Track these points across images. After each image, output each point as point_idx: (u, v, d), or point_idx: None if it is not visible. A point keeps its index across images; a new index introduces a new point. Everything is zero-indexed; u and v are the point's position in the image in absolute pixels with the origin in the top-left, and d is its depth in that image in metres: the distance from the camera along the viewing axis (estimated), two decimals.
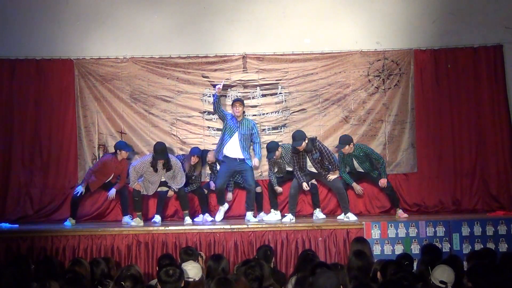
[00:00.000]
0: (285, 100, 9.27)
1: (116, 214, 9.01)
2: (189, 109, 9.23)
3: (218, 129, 9.14)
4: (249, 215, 8.31)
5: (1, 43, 9.14)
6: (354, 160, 8.39)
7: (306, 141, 8.04)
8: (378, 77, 9.25)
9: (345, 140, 8.32)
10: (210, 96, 9.21)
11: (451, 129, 9.22)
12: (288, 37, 9.28)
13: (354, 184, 8.46)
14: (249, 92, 9.27)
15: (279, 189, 8.56)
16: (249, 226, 7.71)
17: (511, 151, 9.15)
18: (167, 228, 7.74)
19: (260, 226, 7.76)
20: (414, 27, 9.27)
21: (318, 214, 8.58)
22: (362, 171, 8.47)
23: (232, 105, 8.48)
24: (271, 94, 9.29)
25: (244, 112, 8.57)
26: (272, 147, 8.43)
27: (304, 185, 8.20)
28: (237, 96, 9.18)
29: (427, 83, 9.26)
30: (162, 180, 8.43)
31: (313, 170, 8.26)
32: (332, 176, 8.21)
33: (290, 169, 8.52)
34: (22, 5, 9.20)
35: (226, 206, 8.60)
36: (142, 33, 9.24)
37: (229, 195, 8.84)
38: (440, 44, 9.25)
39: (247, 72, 9.26)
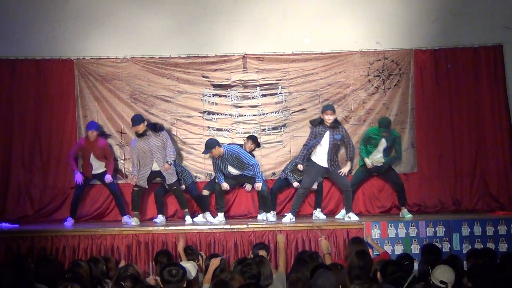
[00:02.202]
0: (285, 100, 9.27)
1: (116, 214, 9.00)
2: (189, 109, 9.23)
3: (218, 129, 9.16)
4: (270, 216, 8.25)
5: (1, 43, 9.13)
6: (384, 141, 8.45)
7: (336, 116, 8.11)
8: (378, 77, 9.25)
9: (385, 123, 8.44)
10: (210, 96, 9.23)
11: (451, 129, 9.21)
12: (288, 37, 9.28)
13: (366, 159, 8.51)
14: (249, 92, 9.27)
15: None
16: (249, 226, 7.71)
17: (511, 151, 9.15)
18: (167, 228, 7.75)
19: (260, 226, 7.76)
20: (414, 27, 9.27)
21: (318, 214, 8.58)
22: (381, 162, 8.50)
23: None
24: (271, 94, 9.29)
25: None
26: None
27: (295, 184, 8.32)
28: (237, 96, 9.20)
29: (427, 83, 9.25)
30: (155, 168, 8.29)
31: (324, 163, 8.15)
32: (345, 169, 8.15)
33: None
34: (22, 5, 9.19)
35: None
36: (142, 33, 9.24)
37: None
38: (440, 44, 9.25)
39: (247, 72, 9.26)
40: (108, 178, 8.60)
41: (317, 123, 8.20)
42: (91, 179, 8.78)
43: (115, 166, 9.02)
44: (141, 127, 8.16)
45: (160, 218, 8.46)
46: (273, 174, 9.10)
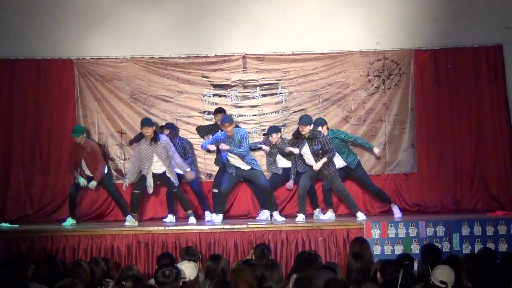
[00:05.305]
0: (285, 100, 9.27)
1: (116, 214, 9.02)
2: (189, 109, 9.24)
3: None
4: (276, 214, 8.22)
5: (1, 43, 9.14)
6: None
7: (311, 127, 7.89)
8: (378, 77, 9.25)
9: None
10: (210, 96, 9.24)
11: (451, 129, 9.22)
12: (288, 37, 9.29)
13: (375, 148, 8.51)
14: (249, 92, 9.28)
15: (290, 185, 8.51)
16: (249, 226, 7.70)
17: (511, 151, 9.15)
18: (167, 228, 7.74)
19: (260, 226, 7.75)
20: (414, 27, 9.28)
21: (318, 214, 8.58)
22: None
23: (223, 125, 8.06)
24: (271, 94, 9.29)
25: (236, 126, 8.35)
26: (272, 128, 8.50)
27: (290, 183, 8.32)
28: (237, 96, 9.21)
29: (427, 83, 9.26)
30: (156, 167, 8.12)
31: (311, 162, 8.02)
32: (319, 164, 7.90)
33: (285, 165, 8.50)
34: (22, 5, 9.20)
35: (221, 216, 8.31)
36: (142, 33, 9.25)
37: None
38: (440, 44, 9.25)
39: (247, 72, 9.27)
40: (92, 184, 8.38)
41: (296, 135, 8.06)
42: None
43: (115, 166, 9.06)
44: (150, 131, 7.98)
45: (170, 218, 8.48)
46: None
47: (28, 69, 9.15)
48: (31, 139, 9.14)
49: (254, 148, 8.70)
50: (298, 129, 8.02)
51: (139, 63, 9.24)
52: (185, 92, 9.25)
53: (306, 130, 7.85)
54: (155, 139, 8.00)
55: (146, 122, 8.08)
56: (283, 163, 8.54)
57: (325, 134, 8.17)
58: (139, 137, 8.37)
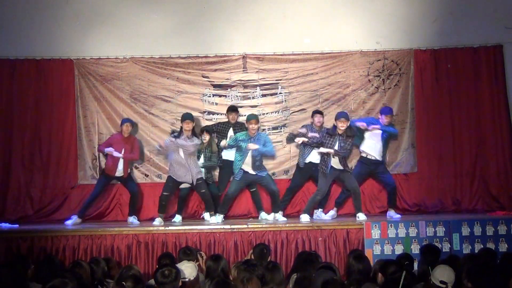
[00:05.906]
0: (285, 100, 9.27)
1: (116, 214, 9.03)
2: (189, 109, 9.22)
3: None
4: (278, 215, 8.30)
5: (1, 43, 9.14)
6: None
7: (349, 124, 8.08)
8: (378, 77, 9.26)
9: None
10: (210, 96, 9.24)
11: (451, 129, 9.22)
12: (288, 37, 9.29)
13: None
14: (249, 92, 9.28)
15: None
16: (249, 226, 7.71)
17: (511, 151, 9.15)
18: (167, 228, 7.74)
19: (260, 226, 7.76)
20: (414, 27, 9.28)
21: (320, 214, 8.58)
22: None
23: (248, 122, 8.22)
24: (271, 94, 9.30)
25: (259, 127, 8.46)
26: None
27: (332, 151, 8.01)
28: (237, 96, 9.21)
29: (427, 83, 9.26)
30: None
31: (338, 166, 8.09)
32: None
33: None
34: (22, 5, 9.20)
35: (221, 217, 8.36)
36: (142, 33, 9.24)
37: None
38: (440, 44, 9.26)
39: (247, 72, 9.28)
40: (115, 152, 8.46)
41: (330, 132, 8.13)
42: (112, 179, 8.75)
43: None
44: (191, 126, 8.25)
45: (178, 218, 8.50)
46: (273, 174, 9.10)
47: (28, 69, 9.15)
48: (31, 139, 9.14)
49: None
50: (334, 126, 8.12)
51: (139, 63, 9.24)
52: (185, 92, 9.25)
53: (346, 125, 8.00)
54: (193, 134, 8.26)
55: (188, 117, 8.31)
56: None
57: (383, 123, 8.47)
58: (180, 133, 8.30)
